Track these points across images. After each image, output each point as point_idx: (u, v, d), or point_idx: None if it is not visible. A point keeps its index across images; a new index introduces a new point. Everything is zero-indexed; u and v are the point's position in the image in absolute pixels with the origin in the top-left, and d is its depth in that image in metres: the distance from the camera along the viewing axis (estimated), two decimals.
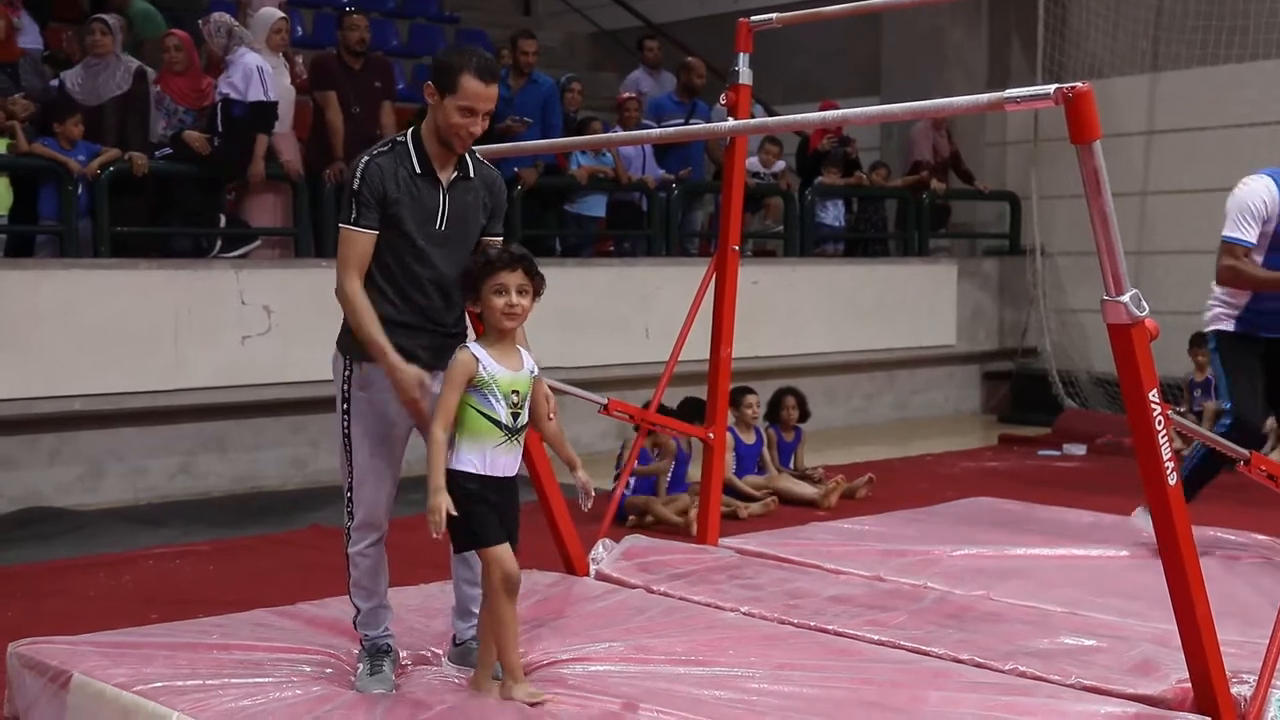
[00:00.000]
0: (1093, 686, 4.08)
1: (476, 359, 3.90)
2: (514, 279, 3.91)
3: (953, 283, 12.12)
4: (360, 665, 4.17)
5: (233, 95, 8.45)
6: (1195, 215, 11.61)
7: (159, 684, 3.99)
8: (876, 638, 4.62)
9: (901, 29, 13.25)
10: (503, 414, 3.94)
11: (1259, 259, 5.82)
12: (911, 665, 4.30)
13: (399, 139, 4.11)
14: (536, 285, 3.97)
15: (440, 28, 13.75)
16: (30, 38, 8.92)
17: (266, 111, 8.50)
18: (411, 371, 3.97)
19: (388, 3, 13.63)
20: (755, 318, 9.45)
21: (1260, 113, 11.17)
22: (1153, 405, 3.64)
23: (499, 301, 3.90)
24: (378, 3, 13.20)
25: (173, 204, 8.64)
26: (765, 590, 5.30)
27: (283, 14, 9.32)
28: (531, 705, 3.88)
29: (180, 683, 4.01)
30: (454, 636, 4.46)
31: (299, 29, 11.95)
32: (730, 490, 7.59)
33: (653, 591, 5.29)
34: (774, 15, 6.05)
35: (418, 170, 4.06)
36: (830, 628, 4.76)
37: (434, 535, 3.83)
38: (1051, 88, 3.45)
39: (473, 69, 3.97)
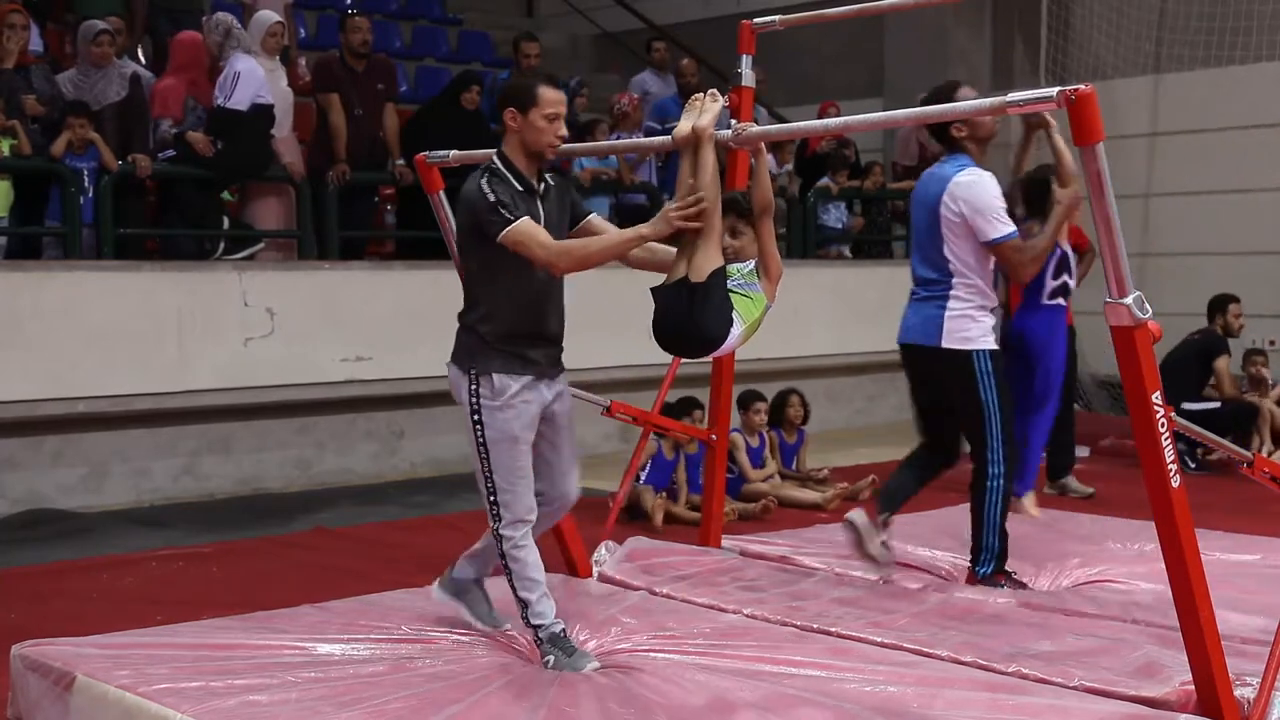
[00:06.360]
0: (1096, 689, 4.08)
1: None
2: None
3: None
4: (550, 656, 4.36)
5: (218, 99, 8.46)
6: (1199, 217, 11.64)
7: (162, 685, 4.00)
8: (880, 639, 4.62)
9: (905, 30, 13.25)
10: None
11: (978, 261, 5.30)
12: (915, 667, 4.30)
13: (491, 166, 4.40)
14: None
15: (443, 30, 13.75)
16: (31, 40, 8.91)
17: (234, 119, 8.43)
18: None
19: (390, 4, 13.63)
20: None
21: (1263, 114, 11.17)
22: (1156, 407, 3.64)
23: None
24: (380, 5, 13.20)
25: (175, 206, 8.65)
26: (768, 592, 5.30)
27: (279, 18, 9.31)
28: None
29: (183, 684, 4.02)
30: (454, 569, 4.77)
31: (302, 30, 11.95)
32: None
33: (655, 594, 5.30)
34: (776, 17, 6.05)
35: (519, 188, 4.37)
36: (834, 630, 4.76)
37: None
38: (1055, 90, 3.45)
39: (544, 81, 4.41)
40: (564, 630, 4.45)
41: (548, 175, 4.55)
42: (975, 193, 5.21)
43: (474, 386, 4.38)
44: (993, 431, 5.28)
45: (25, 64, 8.36)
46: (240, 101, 8.42)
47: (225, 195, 9.09)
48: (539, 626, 4.42)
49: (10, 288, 7.60)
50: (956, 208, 5.23)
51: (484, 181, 4.33)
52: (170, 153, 8.53)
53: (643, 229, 4.29)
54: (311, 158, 9.08)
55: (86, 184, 8.03)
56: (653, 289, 4.43)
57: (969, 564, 5.53)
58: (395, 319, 8.84)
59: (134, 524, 7.48)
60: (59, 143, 7.94)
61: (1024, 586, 5.45)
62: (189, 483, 8.35)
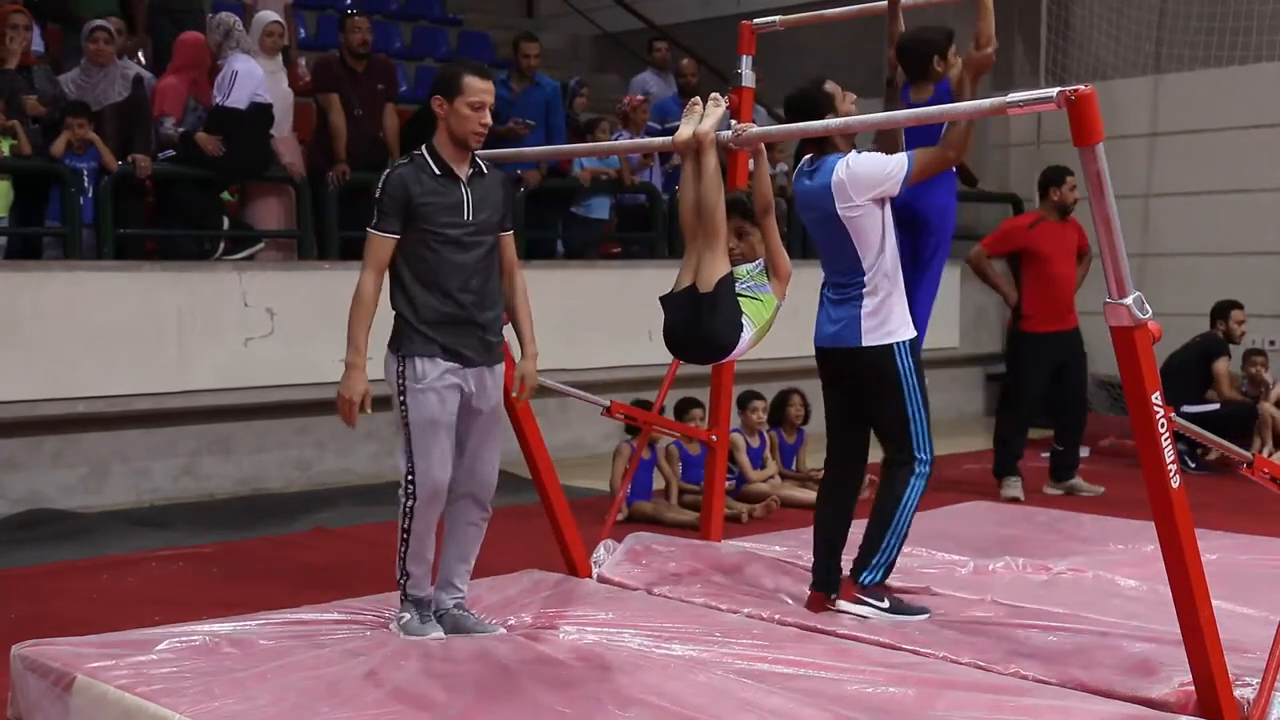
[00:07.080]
0: (1095, 689, 4.08)
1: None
2: None
3: (956, 285, 12.08)
4: (406, 614, 4.67)
5: (216, 98, 8.46)
6: (1199, 217, 11.64)
7: (162, 685, 4.00)
8: (878, 640, 4.62)
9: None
10: None
11: (885, 241, 5.00)
12: (916, 668, 4.30)
13: (416, 153, 4.59)
14: None
15: (443, 30, 13.74)
16: (33, 41, 8.91)
17: (233, 118, 8.42)
18: (359, 383, 4.47)
19: (390, 5, 13.63)
20: None
21: (1263, 115, 11.17)
22: (1155, 408, 3.64)
23: None
24: (380, 5, 13.20)
25: (175, 206, 8.64)
26: (768, 592, 5.31)
27: (278, 17, 9.31)
28: None
29: (183, 684, 4.03)
30: (435, 608, 4.78)
31: (302, 31, 11.95)
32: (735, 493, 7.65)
33: (654, 593, 5.30)
34: (777, 18, 6.08)
35: (437, 172, 4.53)
36: (833, 630, 4.76)
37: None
38: (1054, 91, 3.45)
39: (470, 70, 4.54)
40: (428, 600, 4.71)
41: (483, 164, 4.67)
42: (857, 174, 4.91)
43: (400, 369, 4.55)
44: (917, 422, 5.02)
45: (27, 64, 8.36)
46: (238, 101, 8.41)
47: (225, 195, 9.10)
48: (410, 592, 4.68)
49: (10, 288, 7.60)
50: (856, 199, 4.92)
51: (388, 173, 4.54)
52: (170, 152, 8.53)
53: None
54: (311, 158, 9.08)
55: (86, 184, 8.03)
56: (661, 298, 4.44)
57: (850, 571, 4.99)
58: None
59: (134, 524, 7.48)
60: (59, 143, 7.94)
61: (912, 610, 4.90)
62: (189, 483, 8.35)
